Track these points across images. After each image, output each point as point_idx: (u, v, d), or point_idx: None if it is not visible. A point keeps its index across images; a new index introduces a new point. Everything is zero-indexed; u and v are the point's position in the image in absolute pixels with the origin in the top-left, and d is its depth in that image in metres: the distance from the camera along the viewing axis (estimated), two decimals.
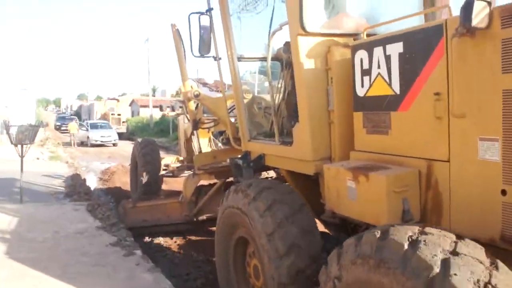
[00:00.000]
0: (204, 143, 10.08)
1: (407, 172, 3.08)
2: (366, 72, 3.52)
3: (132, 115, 51.34)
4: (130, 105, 53.95)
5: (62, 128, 49.71)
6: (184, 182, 7.06)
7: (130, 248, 6.21)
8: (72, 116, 60.04)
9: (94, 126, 35.28)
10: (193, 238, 7.87)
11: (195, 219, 6.99)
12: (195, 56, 5.48)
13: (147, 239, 7.79)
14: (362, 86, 3.57)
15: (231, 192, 4.24)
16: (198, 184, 7.08)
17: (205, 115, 7.74)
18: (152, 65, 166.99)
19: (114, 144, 32.95)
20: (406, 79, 3.14)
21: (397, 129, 3.28)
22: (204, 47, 5.37)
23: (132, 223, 7.78)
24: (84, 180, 13.40)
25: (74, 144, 32.18)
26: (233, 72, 5.24)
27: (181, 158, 10.29)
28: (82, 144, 33.11)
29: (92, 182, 14.64)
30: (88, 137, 33.25)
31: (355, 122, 3.70)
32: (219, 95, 6.92)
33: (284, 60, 5.43)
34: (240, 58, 5.33)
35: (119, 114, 45.22)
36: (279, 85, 5.11)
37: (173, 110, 9.98)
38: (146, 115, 46.91)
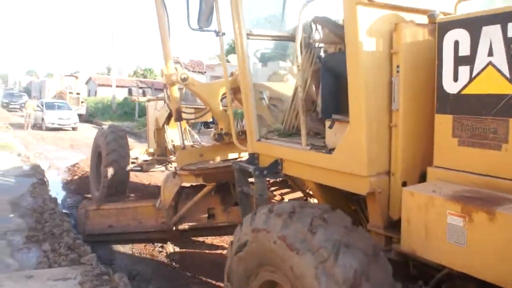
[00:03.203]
0: (177, 134, 8.90)
1: None
2: (464, 60, 2.50)
3: (89, 95, 47.05)
4: (87, 83, 50.49)
5: (11, 106, 45.66)
6: (163, 184, 5.85)
7: None
8: (21, 93, 55.82)
9: (50, 106, 29.72)
10: (176, 249, 6.75)
11: (174, 228, 5.81)
12: (192, 29, 4.32)
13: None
14: (456, 79, 2.54)
15: (268, 212, 2.98)
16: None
17: (182, 102, 6.55)
18: (107, 41, 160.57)
19: (73, 128, 28.18)
20: None
21: None
22: (204, 18, 4.23)
23: (94, 229, 6.52)
24: (55, 201, 8.52)
25: (27, 126, 27.66)
26: (241, 52, 4.12)
27: (151, 150, 9.05)
28: (35, 126, 28.24)
29: (62, 192, 10.63)
30: (43, 119, 28.05)
31: (439, 128, 2.68)
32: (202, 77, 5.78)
33: (304, 41, 4.42)
34: (250, 35, 4.21)
35: (78, 93, 39.02)
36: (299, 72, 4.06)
37: (144, 94, 8.68)
38: (105, 95, 43.17)
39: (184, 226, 5.76)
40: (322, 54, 4.24)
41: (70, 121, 28.38)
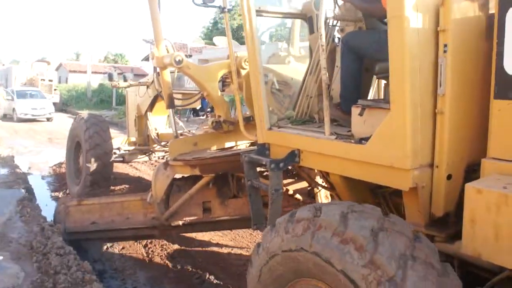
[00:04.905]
0: (161, 122, 8.44)
1: None
2: None
3: (59, 82, 44.01)
4: (57, 70, 48.06)
5: None
6: (154, 176, 5.39)
7: None
8: None
9: (22, 95, 26.85)
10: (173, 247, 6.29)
11: (166, 224, 5.38)
12: (196, 4, 3.93)
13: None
14: None
15: (302, 222, 2.53)
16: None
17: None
18: (75, 26, 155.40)
19: (48, 119, 25.35)
20: None
21: None
22: None
23: (76, 226, 6.01)
24: (59, 231, 5.85)
25: None
26: (250, 31, 3.72)
27: (132, 140, 8.55)
28: (6, 117, 25.71)
29: (51, 204, 8.22)
30: (14, 109, 25.46)
31: (497, 115, 2.37)
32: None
33: (316, 18, 4.08)
34: (259, 12, 3.83)
35: (50, 80, 35.88)
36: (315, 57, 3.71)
37: (125, 80, 8.13)
38: (77, 82, 41.15)
39: (178, 221, 5.34)
40: (337, 33, 3.91)
41: (44, 111, 25.49)
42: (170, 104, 5.33)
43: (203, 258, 5.91)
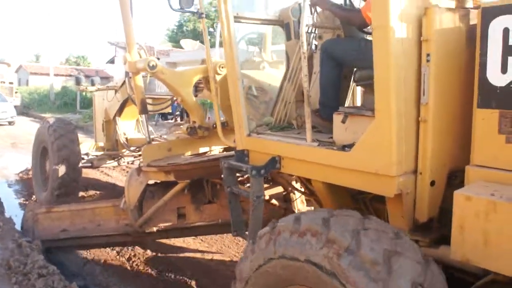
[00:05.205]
0: (130, 126, 8.28)
1: None
2: None
3: (19, 84, 42.53)
4: (16, 72, 45.50)
5: None
6: (127, 182, 5.27)
7: None
8: None
9: None
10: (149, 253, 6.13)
11: (141, 231, 5.28)
12: (173, 9, 3.89)
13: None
14: (505, 71, 2.31)
15: (290, 232, 2.56)
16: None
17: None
18: (34, 27, 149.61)
19: (10, 123, 23.88)
20: None
21: None
22: None
23: (45, 234, 5.79)
24: (38, 248, 5.44)
25: None
26: (228, 37, 3.71)
27: (101, 145, 8.35)
28: None
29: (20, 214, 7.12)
30: None
31: (480, 124, 2.44)
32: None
33: (293, 25, 4.10)
34: (237, 18, 3.81)
35: (10, 82, 34.19)
36: (294, 62, 3.71)
37: (93, 84, 7.94)
38: (39, 85, 39.82)
39: (152, 228, 5.24)
40: (314, 40, 3.93)
41: (6, 115, 24.07)
42: (143, 110, 5.23)
43: (191, 269, 5.73)
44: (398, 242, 2.31)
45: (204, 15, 3.92)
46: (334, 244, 2.30)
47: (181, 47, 24.73)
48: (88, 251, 6.18)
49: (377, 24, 2.60)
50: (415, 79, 2.65)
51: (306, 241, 2.42)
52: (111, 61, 37.19)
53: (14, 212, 7.48)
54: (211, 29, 22.68)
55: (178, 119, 19.39)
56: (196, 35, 34.63)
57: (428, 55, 2.61)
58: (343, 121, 3.03)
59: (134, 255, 6.10)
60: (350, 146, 2.90)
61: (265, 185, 5.08)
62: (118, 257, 6.13)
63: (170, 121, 19.19)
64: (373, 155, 2.70)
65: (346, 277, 2.20)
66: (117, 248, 6.22)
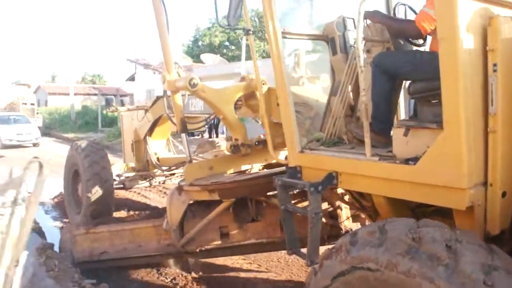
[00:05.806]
0: (161, 146, 8.34)
1: None
2: None
3: (38, 105, 42.24)
4: (35, 92, 46.23)
5: None
6: (169, 203, 5.27)
7: None
8: None
9: (5, 121, 25.01)
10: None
11: (183, 251, 5.26)
12: (221, 26, 3.93)
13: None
14: None
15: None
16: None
17: (168, 111, 6.00)
18: (49, 48, 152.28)
19: (34, 145, 23.80)
20: None
21: None
22: (232, 15, 3.82)
23: (85, 256, 5.79)
24: None
25: None
26: (276, 53, 3.73)
27: (131, 165, 8.41)
28: None
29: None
30: None
31: None
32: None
33: (338, 40, 4.11)
34: (285, 34, 3.84)
35: (32, 104, 34.56)
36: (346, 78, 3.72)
37: (122, 104, 8.06)
38: (58, 105, 40.36)
39: (195, 247, 5.22)
40: (363, 54, 3.94)
41: (31, 137, 24.10)
42: (183, 129, 5.23)
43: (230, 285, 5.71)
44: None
45: (251, 31, 3.95)
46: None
47: (200, 62, 24.79)
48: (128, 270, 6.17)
49: (443, 36, 2.59)
50: (481, 89, 2.64)
51: None
52: (131, 79, 37.47)
53: (54, 240, 7.02)
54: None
55: (206, 135, 19.52)
56: (212, 49, 34.94)
57: (494, 65, 2.59)
58: (405, 134, 3.01)
59: (178, 275, 6.08)
60: (413, 159, 2.87)
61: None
62: (159, 276, 6.11)
63: (196, 137, 19.19)
64: (442, 167, 2.67)
65: None
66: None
